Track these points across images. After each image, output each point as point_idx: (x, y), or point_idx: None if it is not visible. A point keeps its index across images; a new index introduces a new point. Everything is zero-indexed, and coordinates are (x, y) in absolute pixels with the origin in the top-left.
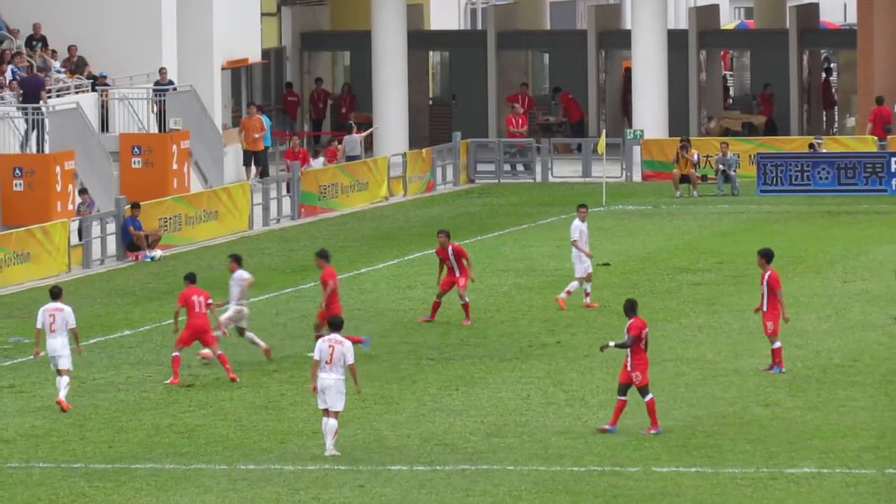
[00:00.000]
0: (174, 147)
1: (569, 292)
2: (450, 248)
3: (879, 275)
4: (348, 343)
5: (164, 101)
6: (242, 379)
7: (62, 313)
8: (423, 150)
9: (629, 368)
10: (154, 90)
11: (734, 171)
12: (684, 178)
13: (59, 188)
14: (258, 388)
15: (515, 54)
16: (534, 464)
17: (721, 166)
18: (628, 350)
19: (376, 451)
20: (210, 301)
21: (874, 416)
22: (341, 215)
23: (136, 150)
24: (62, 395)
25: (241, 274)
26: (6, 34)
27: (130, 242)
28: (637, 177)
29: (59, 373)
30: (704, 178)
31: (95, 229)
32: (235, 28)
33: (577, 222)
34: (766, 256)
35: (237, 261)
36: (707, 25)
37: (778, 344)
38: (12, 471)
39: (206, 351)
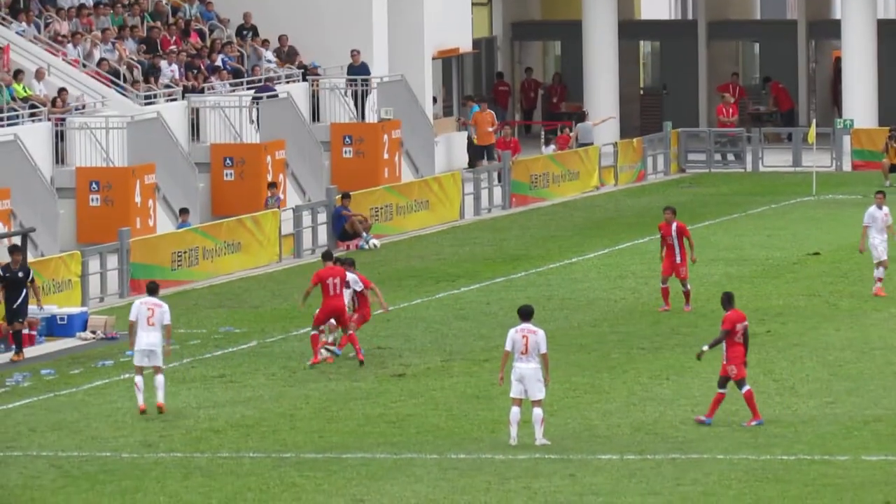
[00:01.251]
0: (385, 137)
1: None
2: (674, 224)
3: None
4: (541, 332)
5: (368, 90)
6: (455, 368)
7: (161, 309)
8: (634, 140)
9: (724, 362)
10: (349, 80)
11: None
12: (894, 168)
13: (269, 177)
14: (469, 377)
15: (726, 44)
16: (744, 452)
17: None
18: (723, 344)
19: (586, 441)
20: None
21: None
22: (552, 205)
23: (347, 139)
24: (160, 396)
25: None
26: (217, 24)
27: (343, 231)
28: (847, 166)
29: (156, 370)
30: None
31: (307, 219)
32: (446, 18)
33: (872, 209)
34: None
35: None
36: None
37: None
38: (223, 461)
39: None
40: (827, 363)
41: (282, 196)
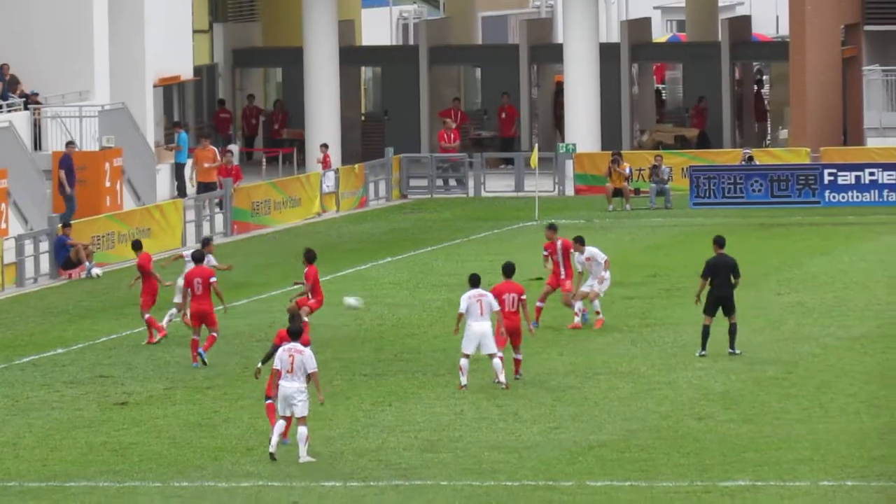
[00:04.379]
0: (107, 165)
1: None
2: (559, 242)
3: (813, 287)
4: (308, 352)
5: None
6: (177, 396)
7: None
8: (356, 166)
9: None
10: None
11: (667, 184)
12: (617, 192)
13: None
14: (192, 404)
15: (447, 69)
16: (468, 479)
17: (655, 179)
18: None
19: (309, 468)
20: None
21: (808, 427)
22: (274, 232)
23: None
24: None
25: None
26: None
27: (66, 260)
28: (570, 191)
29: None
30: (637, 191)
31: (29, 248)
32: (168, 45)
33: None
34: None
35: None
36: (639, 38)
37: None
38: None
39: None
40: (550, 388)
41: (4, 224)
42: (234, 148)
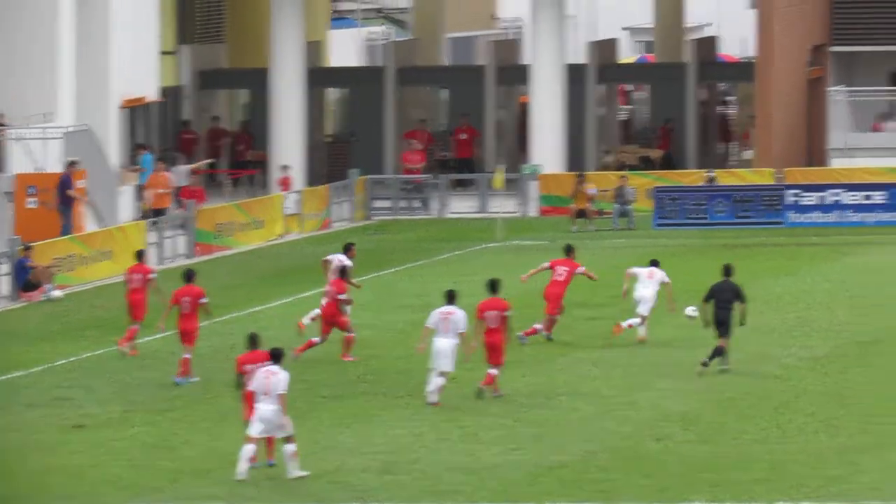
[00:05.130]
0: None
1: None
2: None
3: (777, 307)
4: (283, 374)
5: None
6: (136, 419)
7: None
8: (319, 188)
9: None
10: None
11: (631, 204)
12: (581, 213)
13: None
14: (150, 426)
15: (414, 90)
16: (426, 500)
17: (619, 200)
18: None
19: (269, 489)
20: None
21: (766, 448)
22: (237, 253)
23: (31, 190)
24: None
25: None
26: None
27: (26, 283)
28: (534, 212)
29: None
30: (601, 212)
31: None
32: (134, 66)
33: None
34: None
35: None
36: (606, 59)
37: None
38: None
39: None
40: (511, 409)
41: None
42: (185, 168)
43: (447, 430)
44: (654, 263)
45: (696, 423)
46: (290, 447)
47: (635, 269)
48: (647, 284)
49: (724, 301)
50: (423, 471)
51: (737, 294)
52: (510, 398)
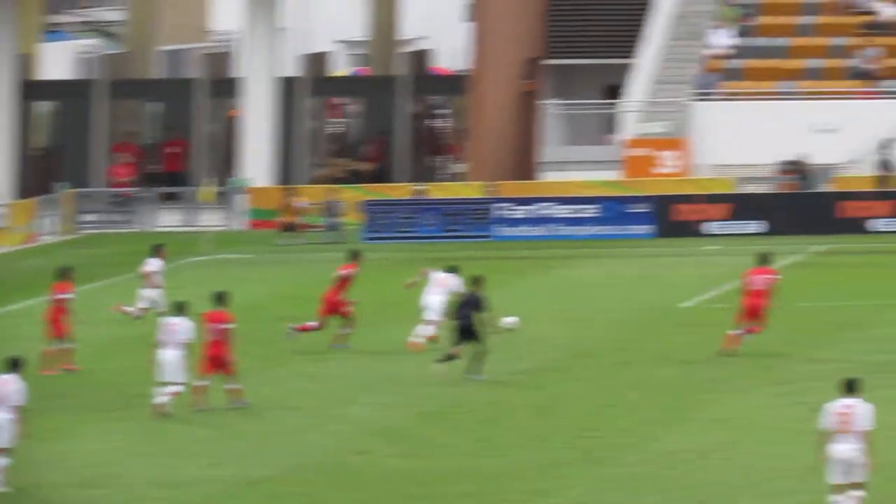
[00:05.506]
0: None
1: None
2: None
3: None
4: (14, 385)
5: None
6: None
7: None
8: (26, 201)
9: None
10: None
11: (340, 217)
12: (290, 226)
13: None
14: None
15: (125, 103)
16: None
17: (328, 213)
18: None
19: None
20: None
21: (474, 462)
22: None
23: None
24: None
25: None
26: None
27: None
28: (242, 225)
29: None
30: (310, 225)
31: None
32: None
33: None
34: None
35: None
36: (319, 72)
37: None
38: None
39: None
40: (213, 424)
41: None
42: None
43: (147, 444)
44: (452, 270)
45: (401, 436)
46: (1, 460)
47: (431, 272)
48: (437, 291)
49: (465, 311)
50: (123, 485)
51: (477, 305)
52: (212, 413)
